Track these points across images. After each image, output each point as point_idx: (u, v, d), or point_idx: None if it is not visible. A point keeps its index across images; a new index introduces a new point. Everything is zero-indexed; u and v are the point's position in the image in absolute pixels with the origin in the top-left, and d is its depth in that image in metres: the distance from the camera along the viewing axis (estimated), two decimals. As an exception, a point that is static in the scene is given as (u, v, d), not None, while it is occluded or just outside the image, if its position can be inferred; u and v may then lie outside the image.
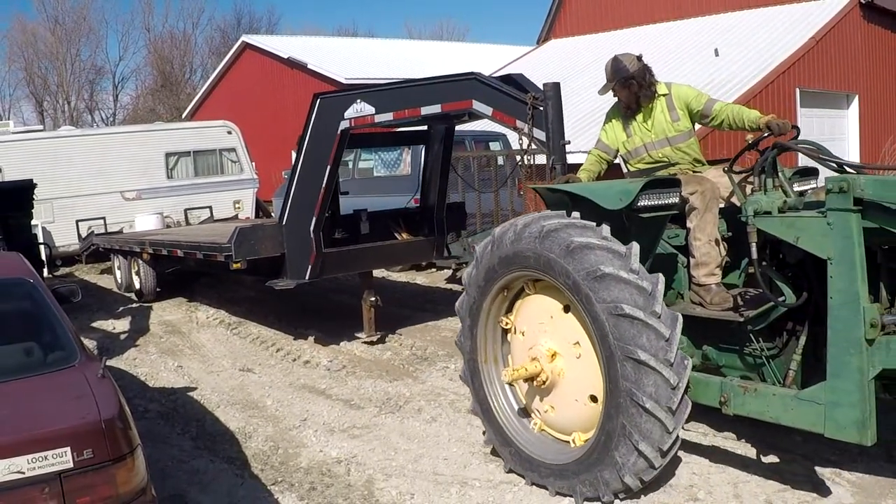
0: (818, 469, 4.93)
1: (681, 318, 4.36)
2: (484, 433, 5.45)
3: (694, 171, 5.26)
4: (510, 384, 5.21)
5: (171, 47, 53.92)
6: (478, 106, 6.68)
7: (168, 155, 16.80)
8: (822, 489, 4.69)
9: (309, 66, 27.02)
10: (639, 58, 5.27)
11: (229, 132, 17.39)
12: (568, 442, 4.88)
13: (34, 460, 3.13)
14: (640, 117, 5.34)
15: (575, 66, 20.48)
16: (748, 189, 4.68)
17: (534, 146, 6.10)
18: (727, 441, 5.47)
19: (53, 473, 3.17)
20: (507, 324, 5.23)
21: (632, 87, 5.22)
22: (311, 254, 8.21)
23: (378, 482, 5.32)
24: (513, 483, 5.10)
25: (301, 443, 6.15)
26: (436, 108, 7.12)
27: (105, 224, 15.43)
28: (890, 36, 19.41)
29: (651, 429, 4.23)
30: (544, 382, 4.84)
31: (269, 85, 29.30)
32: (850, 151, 18.34)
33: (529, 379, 4.90)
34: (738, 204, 4.52)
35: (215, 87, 33.90)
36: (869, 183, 3.61)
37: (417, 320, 10.04)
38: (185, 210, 16.32)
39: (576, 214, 4.72)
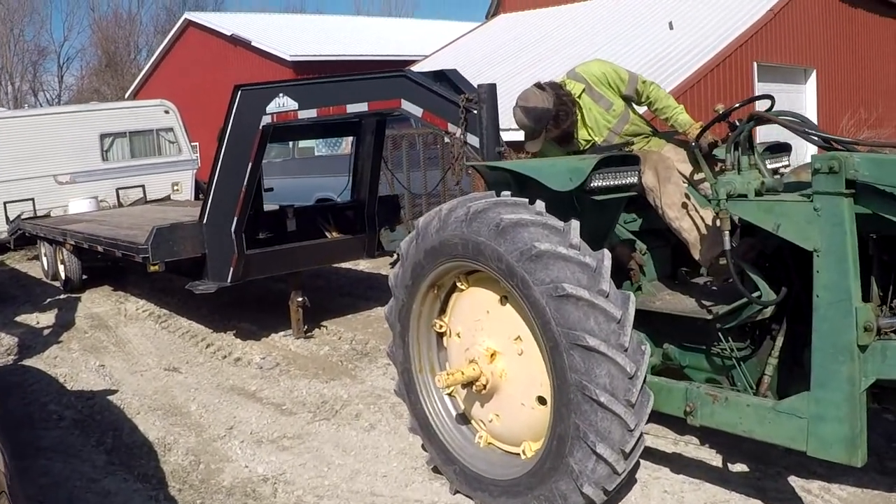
0: (804, 484, 4.43)
1: (633, 298, 3.80)
2: (424, 448, 4.87)
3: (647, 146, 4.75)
4: (449, 394, 4.64)
5: (116, 27, 52.64)
6: (407, 106, 6.16)
7: (103, 136, 15.97)
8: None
9: (253, 44, 26.18)
10: (540, 86, 4.66)
11: (167, 111, 16.61)
12: (518, 454, 4.30)
13: None
14: (579, 134, 4.78)
15: (524, 41, 20.02)
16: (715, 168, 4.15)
17: (466, 152, 5.56)
18: (701, 451, 4.94)
19: None
20: (441, 326, 4.64)
21: (560, 119, 4.62)
22: (232, 256, 7.74)
23: (308, 505, 4.76)
24: (460, 504, 4.56)
25: (225, 456, 5.57)
26: (362, 107, 6.62)
27: (34, 206, 14.66)
28: (847, 9, 19.19)
29: (609, 427, 3.65)
30: (485, 387, 4.26)
31: (212, 63, 28.40)
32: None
33: (468, 384, 4.32)
34: (707, 186, 3.99)
35: (158, 67, 32.95)
36: (864, 162, 3.05)
37: (360, 309, 9.50)
38: (118, 189, 15.53)
39: (506, 193, 4.16)
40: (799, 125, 3.62)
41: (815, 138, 3.51)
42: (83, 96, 46.44)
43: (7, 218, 14.62)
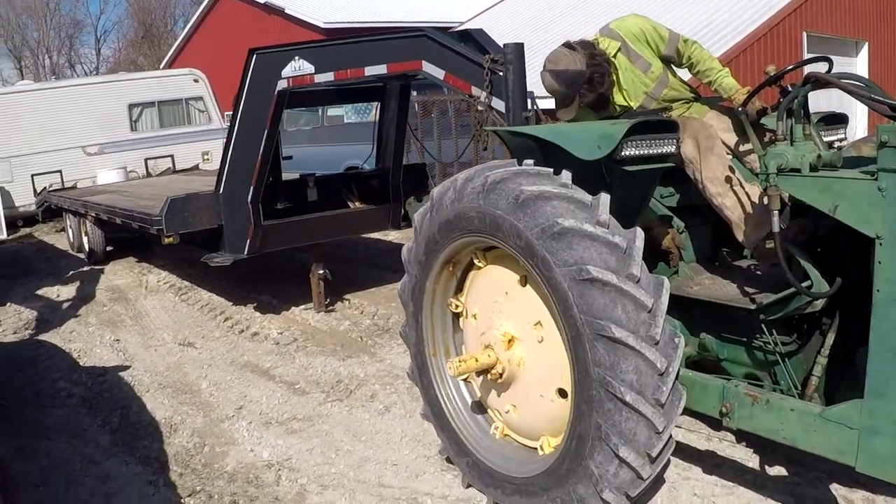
0: (847, 493, 4.01)
1: (667, 284, 3.37)
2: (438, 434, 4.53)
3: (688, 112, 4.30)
4: (464, 380, 4.29)
5: (152, -2, 52.64)
6: (428, 68, 5.83)
7: (132, 106, 15.90)
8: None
9: (286, 11, 25.79)
10: (570, 46, 4.12)
11: (196, 80, 16.43)
12: (535, 449, 3.93)
13: None
14: (615, 97, 4.29)
15: (561, 8, 19.44)
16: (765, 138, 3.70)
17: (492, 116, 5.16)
18: (735, 450, 4.53)
19: None
20: (456, 306, 4.26)
21: (595, 82, 4.10)
22: (248, 227, 7.43)
23: (311, 495, 4.47)
24: (472, 500, 4.23)
25: (231, 438, 5.32)
26: (381, 69, 6.29)
27: (62, 178, 14.60)
28: (901, -19, 18.35)
29: (634, 428, 3.25)
30: (501, 375, 3.89)
31: (246, 32, 28.13)
32: (857, 102, 17.36)
33: (483, 372, 3.95)
34: (754, 158, 3.56)
35: (192, 36, 32.77)
36: (941, 136, 2.62)
37: (385, 281, 9.15)
38: (146, 160, 15.37)
39: (528, 162, 3.74)
40: (864, 90, 3.14)
41: (884, 106, 3.03)
42: (120, 68, 46.78)
43: (35, 190, 14.61)
